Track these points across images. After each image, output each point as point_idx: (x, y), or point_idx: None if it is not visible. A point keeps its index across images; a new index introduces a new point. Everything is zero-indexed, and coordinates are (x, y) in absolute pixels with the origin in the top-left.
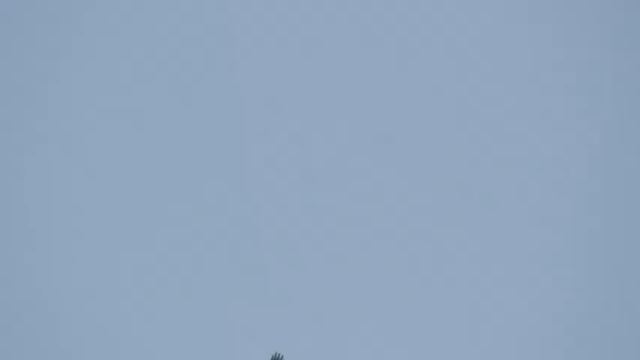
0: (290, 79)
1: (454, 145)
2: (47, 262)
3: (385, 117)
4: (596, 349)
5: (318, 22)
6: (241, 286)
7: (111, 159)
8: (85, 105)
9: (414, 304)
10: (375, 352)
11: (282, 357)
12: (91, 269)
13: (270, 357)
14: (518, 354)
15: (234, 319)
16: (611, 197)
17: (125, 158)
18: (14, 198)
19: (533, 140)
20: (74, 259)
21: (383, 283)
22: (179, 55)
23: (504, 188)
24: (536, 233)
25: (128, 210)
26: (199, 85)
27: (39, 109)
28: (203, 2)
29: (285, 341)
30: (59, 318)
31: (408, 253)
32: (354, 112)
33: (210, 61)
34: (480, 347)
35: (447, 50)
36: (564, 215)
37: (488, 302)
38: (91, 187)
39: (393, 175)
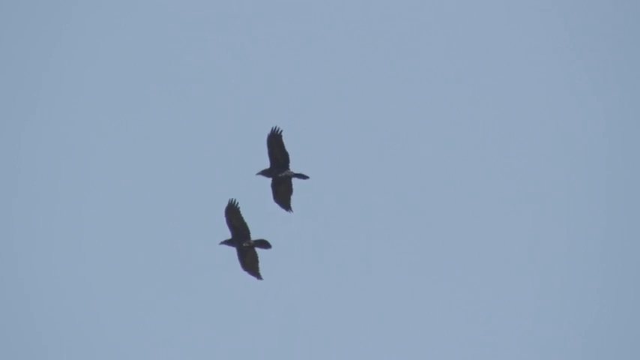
0: (288, 77)
1: (454, 144)
2: (45, 261)
3: (384, 116)
4: (600, 351)
5: (316, 19)
6: (239, 286)
7: (109, 158)
8: (83, 104)
9: (415, 305)
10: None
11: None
12: (89, 268)
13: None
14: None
15: (232, 320)
16: (613, 197)
17: (123, 157)
18: (10, 197)
19: (534, 139)
20: (71, 258)
21: (382, 285)
22: (176, 53)
23: (506, 188)
24: (538, 234)
25: (126, 209)
26: (198, 83)
27: (36, 107)
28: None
29: (283, 343)
30: (57, 318)
31: (407, 254)
32: (353, 111)
33: (207, 58)
34: (482, 349)
35: (447, 48)
36: (566, 215)
37: (490, 304)
38: (89, 186)
39: (392, 175)
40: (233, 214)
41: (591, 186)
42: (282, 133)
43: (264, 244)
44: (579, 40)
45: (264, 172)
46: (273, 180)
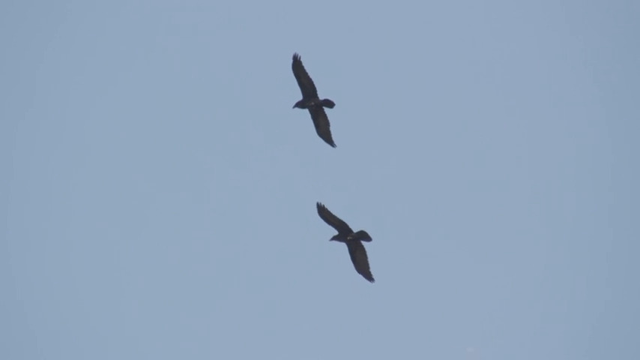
0: (287, 75)
1: (453, 144)
2: (43, 260)
3: (385, 116)
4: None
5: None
6: (239, 285)
7: (108, 158)
8: (78, 102)
9: (416, 305)
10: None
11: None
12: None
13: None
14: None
15: (232, 322)
16: (614, 196)
17: (122, 157)
18: (7, 197)
19: (535, 138)
20: (69, 258)
21: (382, 286)
22: (175, 52)
23: (505, 188)
24: (538, 234)
25: (125, 209)
26: (196, 82)
27: (33, 107)
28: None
29: (282, 344)
30: (56, 318)
31: (407, 253)
32: (353, 109)
33: (204, 57)
34: (485, 349)
35: (447, 48)
36: (567, 215)
37: (492, 304)
38: (88, 186)
39: (393, 175)
40: (326, 213)
41: (593, 186)
42: (301, 59)
43: (365, 236)
44: (581, 39)
45: (299, 104)
46: (309, 112)
